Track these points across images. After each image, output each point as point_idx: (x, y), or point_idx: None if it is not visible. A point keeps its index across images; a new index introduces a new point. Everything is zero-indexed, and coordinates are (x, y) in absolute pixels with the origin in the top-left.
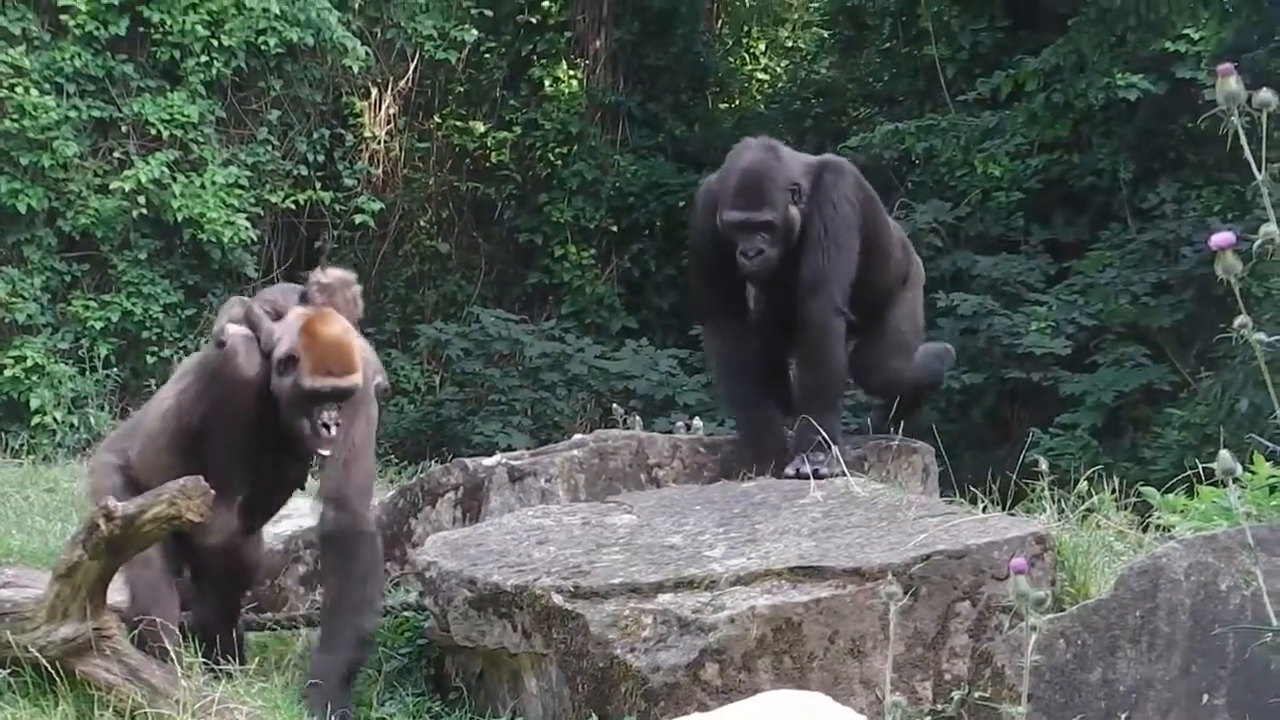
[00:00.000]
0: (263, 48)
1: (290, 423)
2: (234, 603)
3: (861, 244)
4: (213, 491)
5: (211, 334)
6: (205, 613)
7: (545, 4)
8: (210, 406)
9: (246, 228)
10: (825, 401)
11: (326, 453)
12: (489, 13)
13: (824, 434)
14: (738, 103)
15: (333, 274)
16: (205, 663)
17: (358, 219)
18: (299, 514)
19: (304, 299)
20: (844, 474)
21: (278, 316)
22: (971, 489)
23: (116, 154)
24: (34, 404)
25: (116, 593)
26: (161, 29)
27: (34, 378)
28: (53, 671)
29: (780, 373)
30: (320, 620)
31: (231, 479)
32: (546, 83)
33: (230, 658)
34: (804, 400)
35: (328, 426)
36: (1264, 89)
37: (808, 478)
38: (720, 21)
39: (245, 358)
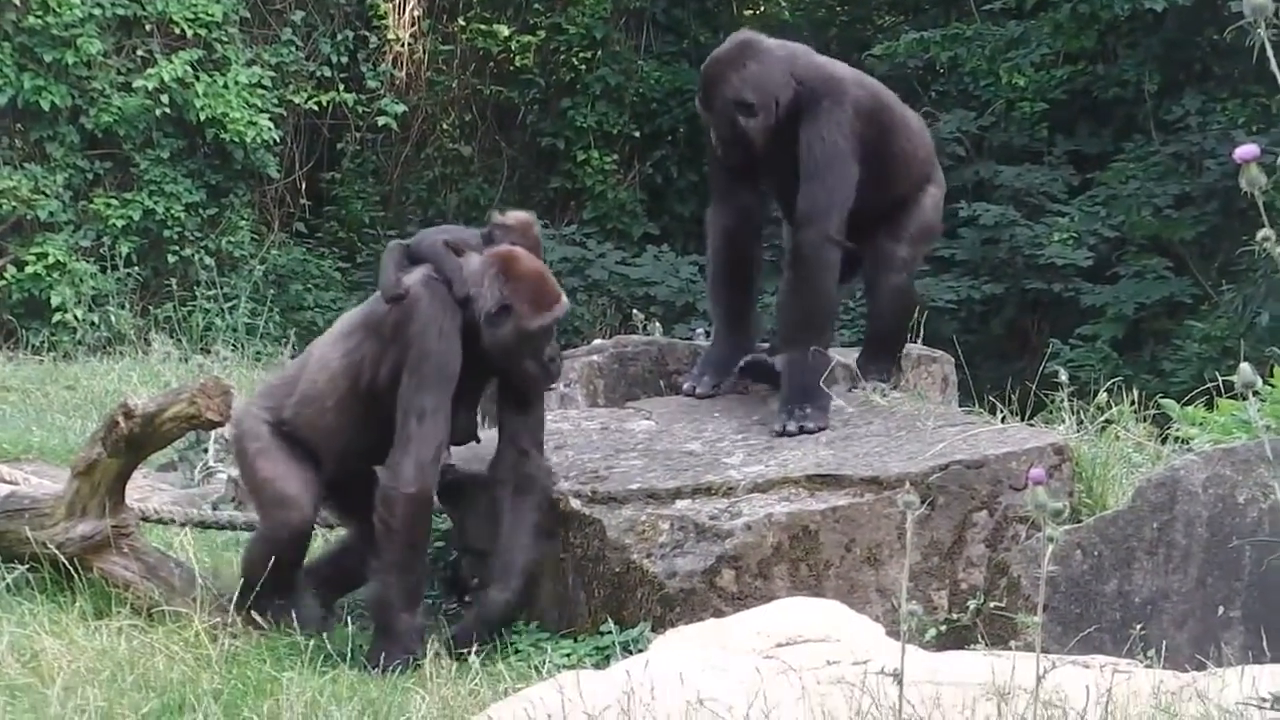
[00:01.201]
0: None
1: (514, 367)
2: (417, 579)
3: (872, 159)
4: (232, 389)
5: (382, 287)
6: (384, 591)
7: None
8: (399, 361)
9: (269, 128)
10: (811, 336)
11: (554, 386)
12: None
13: (809, 377)
14: (763, 9)
15: (514, 216)
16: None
17: (380, 121)
18: None
19: (488, 240)
20: (829, 427)
21: (456, 254)
22: (991, 399)
23: (140, 52)
24: (55, 301)
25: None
26: None
27: (55, 275)
28: (71, 568)
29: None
30: (498, 557)
31: (438, 427)
32: None
33: (411, 647)
34: (788, 333)
35: (554, 360)
36: None
37: (794, 435)
38: None
39: (431, 302)
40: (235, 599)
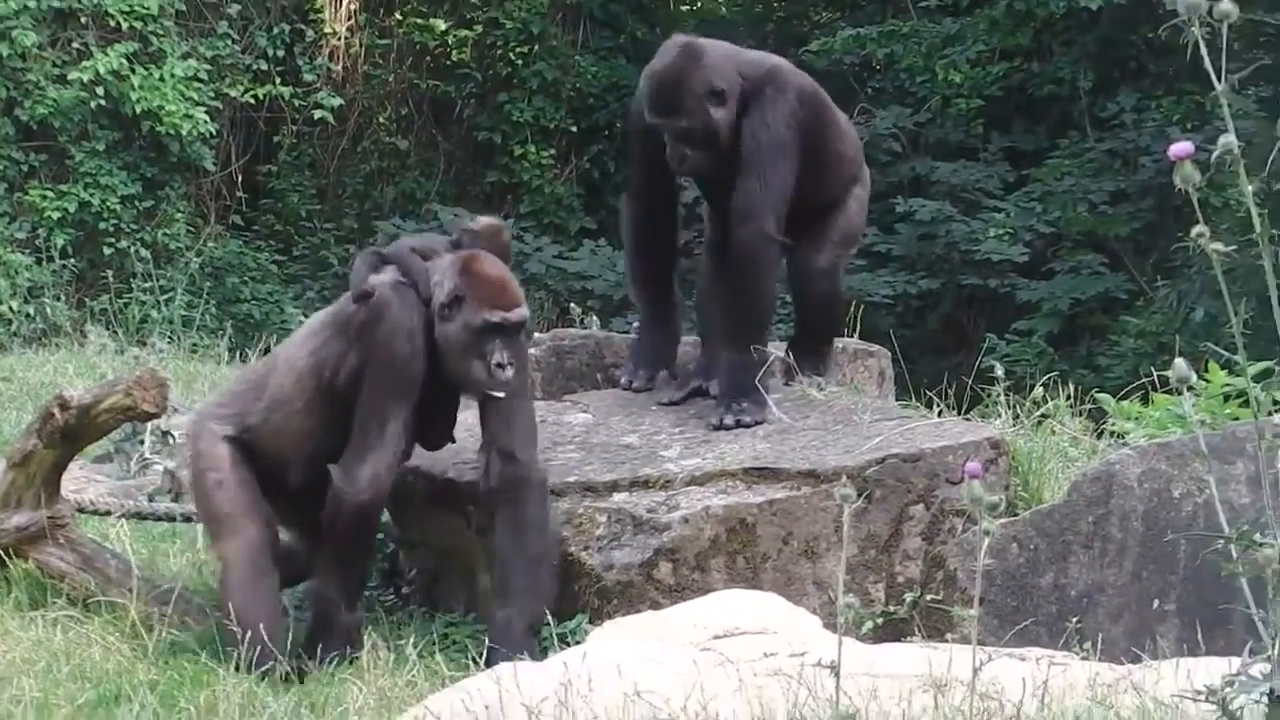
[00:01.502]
0: None
1: (459, 368)
2: (359, 576)
3: (807, 155)
4: (168, 381)
5: (352, 289)
6: (324, 588)
7: None
8: (362, 363)
9: (205, 121)
10: (750, 334)
11: (500, 395)
12: None
13: (747, 374)
14: (699, 4)
15: (482, 221)
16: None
17: (317, 115)
18: None
19: (456, 246)
20: (766, 421)
21: (425, 260)
22: (927, 394)
23: (75, 44)
24: None
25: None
26: None
27: None
28: (6, 559)
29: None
30: (496, 575)
31: (390, 433)
32: None
33: (349, 641)
34: (728, 331)
35: (501, 366)
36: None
37: (730, 428)
38: None
39: (400, 306)
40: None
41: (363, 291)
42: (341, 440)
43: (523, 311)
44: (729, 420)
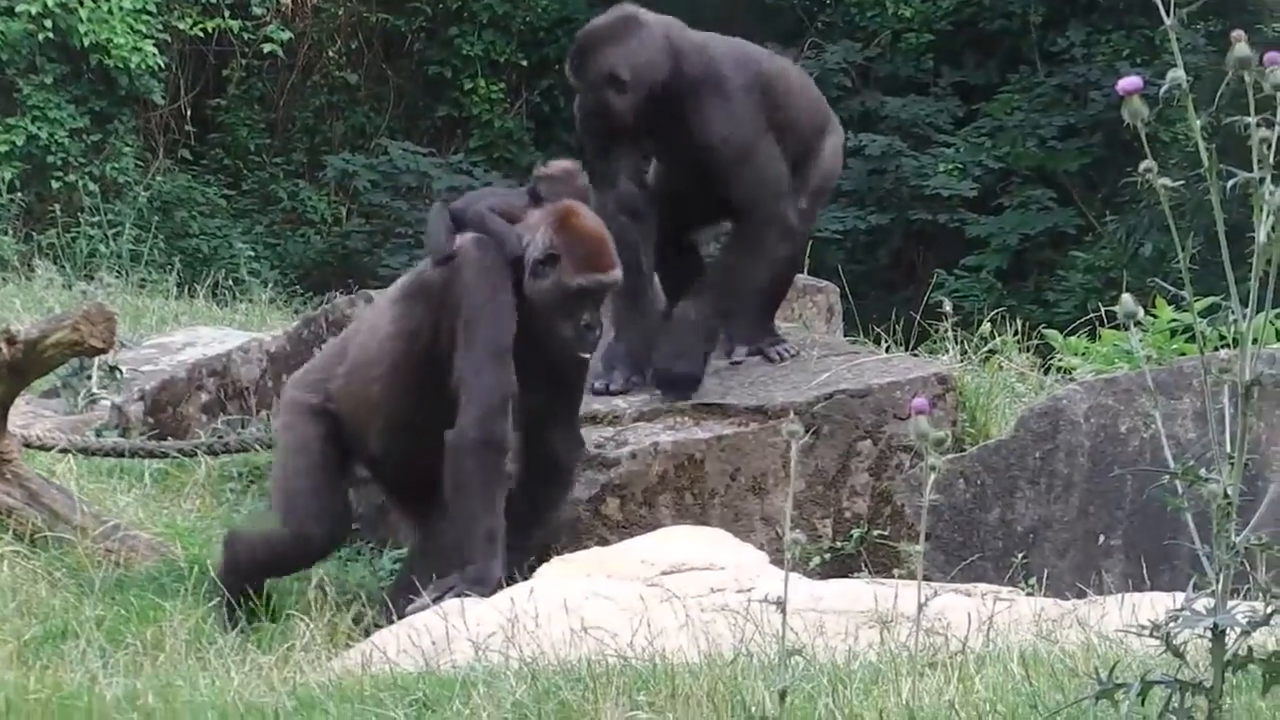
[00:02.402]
0: None
1: (549, 326)
2: (488, 528)
3: (766, 109)
4: (115, 316)
5: (430, 250)
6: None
7: None
8: (453, 320)
9: (154, 54)
10: (728, 308)
11: (588, 356)
12: None
13: (702, 325)
14: None
15: (556, 165)
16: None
17: (266, 48)
18: (203, 342)
19: (534, 197)
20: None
21: (509, 219)
22: (876, 329)
23: None
24: None
25: None
26: None
27: None
28: None
29: (684, 253)
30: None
31: (486, 374)
32: None
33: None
34: (708, 294)
35: (590, 328)
36: None
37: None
38: None
39: (484, 257)
40: (215, 590)
41: (445, 254)
42: (422, 412)
43: (618, 273)
44: (678, 369)
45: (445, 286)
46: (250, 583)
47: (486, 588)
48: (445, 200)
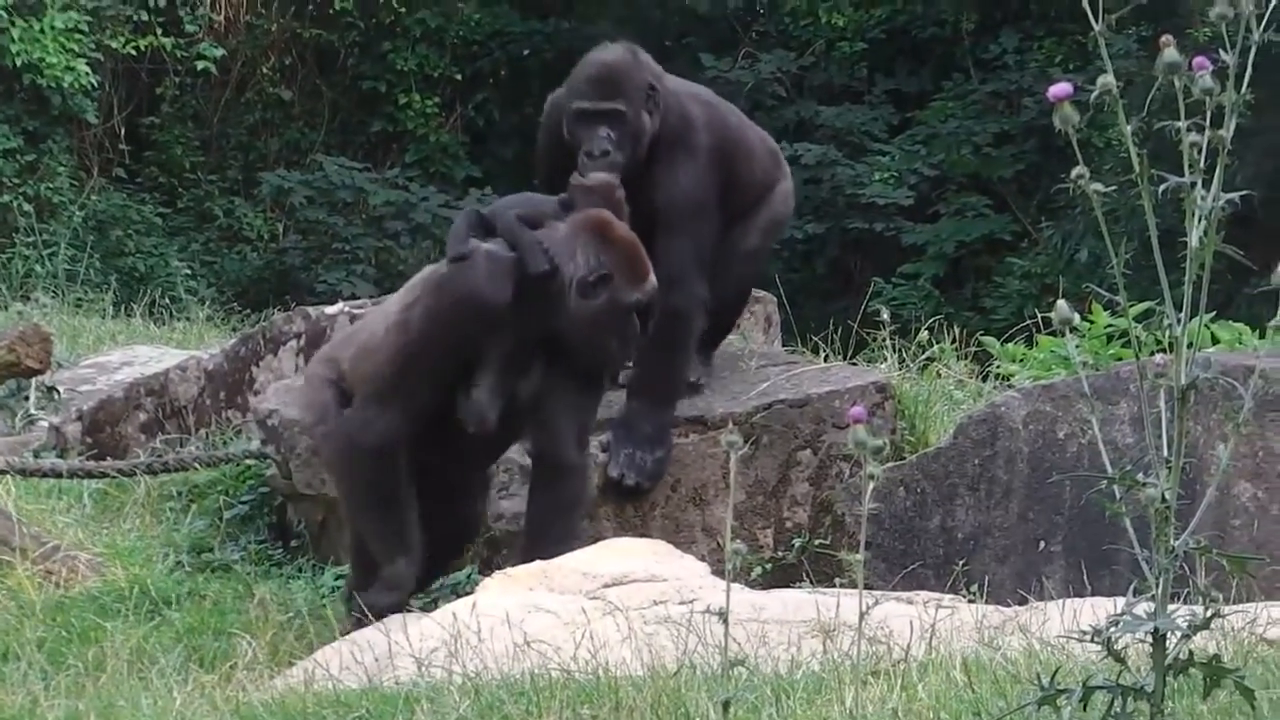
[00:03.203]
0: None
1: (598, 345)
2: (448, 560)
3: (723, 193)
4: (52, 336)
5: (449, 249)
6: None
7: None
8: (439, 325)
9: (87, 73)
10: (669, 392)
11: (629, 368)
12: None
13: (658, 431)
14: None
15: (595, 178)
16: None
17: (199, 66)
18: (140, 361)
19: (565, 206)
20: (651, 486)
21: (533, 227)
22: (814, 338)
23: None
24: None
25: None
26: None
27: None
28: None
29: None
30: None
31: (402, 386)
32: None
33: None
34: (645, 383)
35: (634, 340)
36: None
37: (631, 486)
38: None
39: (487, 277)
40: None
41: (459, 253)
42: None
43: (655, 281)
44: (629, 480)
45: (441, 279)
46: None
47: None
48: (476, 208)
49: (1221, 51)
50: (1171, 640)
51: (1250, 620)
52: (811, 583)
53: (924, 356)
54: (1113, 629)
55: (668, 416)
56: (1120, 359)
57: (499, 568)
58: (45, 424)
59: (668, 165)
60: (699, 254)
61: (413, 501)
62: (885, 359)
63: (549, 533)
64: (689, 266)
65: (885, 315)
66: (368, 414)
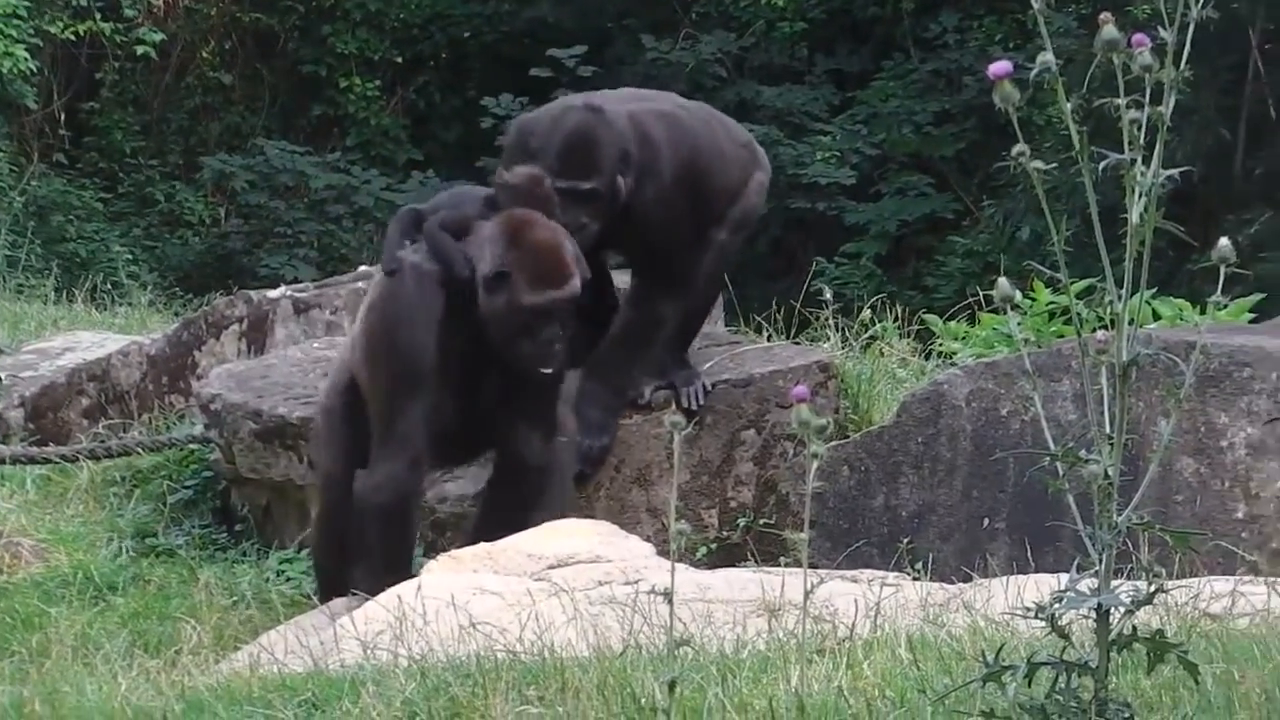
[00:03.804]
0: None
1: (506, 345)
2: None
3: (692, 205)
4: None
5: (383, 257)
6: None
7: None
8: (368, 344)
9: (26, 59)
10: (622, 379)
11: (549, 371)
12: None
13: (599, 416)
14: None
15: (519, 173)
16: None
17: (139, 50)
18: (82, 346)
19: (491, 205)
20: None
21: (461, 232)
22: (757, 318)
23: None
24: None
25: None
26: None
27: None
28: None
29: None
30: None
31: (402, 427)
32: None
33: None
34: (595, 372)
35: (551, 343)
36: None
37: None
38: None
39: (416, 292)
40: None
41: (389, 268)
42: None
43: (574, 286)
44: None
45: (370, 304)
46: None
47: None
48: (413, 206)
49: (1160, 29)
50: (1115, 616)
51: (1193, 595)
52: (756, 562)
53: (867, 335)
54: (1056, 605)
55: (617, 406)
56: (1062, 336)
57: (444, 549)
58: None
59: (636, 193)
60: (671, 270)
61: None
62: (828, 338)
63: (501, 531)
64: (661, 282)
65: (828, 294)
66: (388, 471)
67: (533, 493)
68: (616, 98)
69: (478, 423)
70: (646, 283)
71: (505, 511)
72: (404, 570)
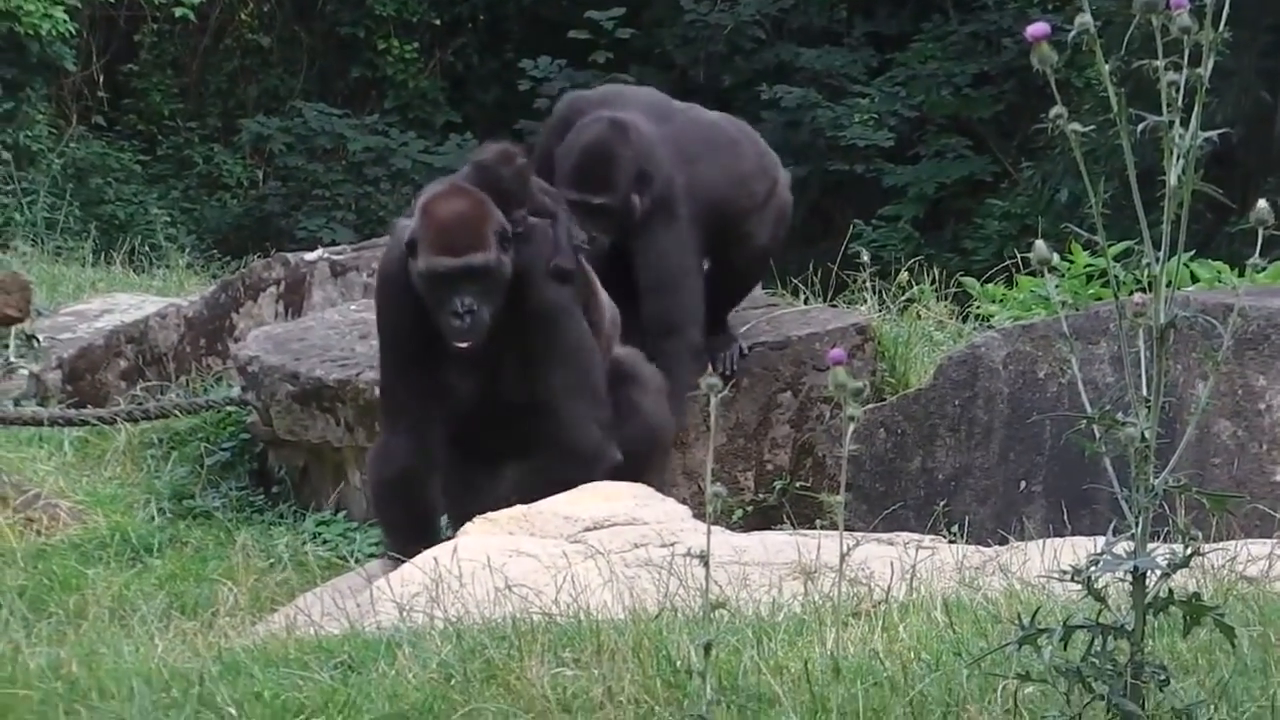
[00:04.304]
0: None
1: (432, 317)
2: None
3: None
4: (31, 284)
5: None
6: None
7: None
8: (379, 316)
9: (65, 21)
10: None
11: (463, 346)
12: None
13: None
14: None
15: (491, 149)
16: None
17: (177, 12)
18: (120, 309)
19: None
20: None
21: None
22: (794, 281)
23: None
24: None
25: None
26: None
27: None
28: None
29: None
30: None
31: (397, 398)
32: None
33: None
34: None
35: (459, 315)
36: None
37: None
38: None
39: (388, 257)
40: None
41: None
42: None
43: (474, 257)
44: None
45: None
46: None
47: None
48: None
49: None
50: (1151, 579)
51: (1230, 558)
52: (792, 525)
53: (904, 298)
54: (1093, 568)
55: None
56: (1099, 298)
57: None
58: (25, 372)
59: (647, 232)
60: (690, 303)
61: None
62: (865, 301)
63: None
64: (680, 316)
65: (865, 257)
66: (385, 442)
67: (563, 472)
68: (645, 110)
69: (504, 408)
70: (671, 333)
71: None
72: (416, 542)
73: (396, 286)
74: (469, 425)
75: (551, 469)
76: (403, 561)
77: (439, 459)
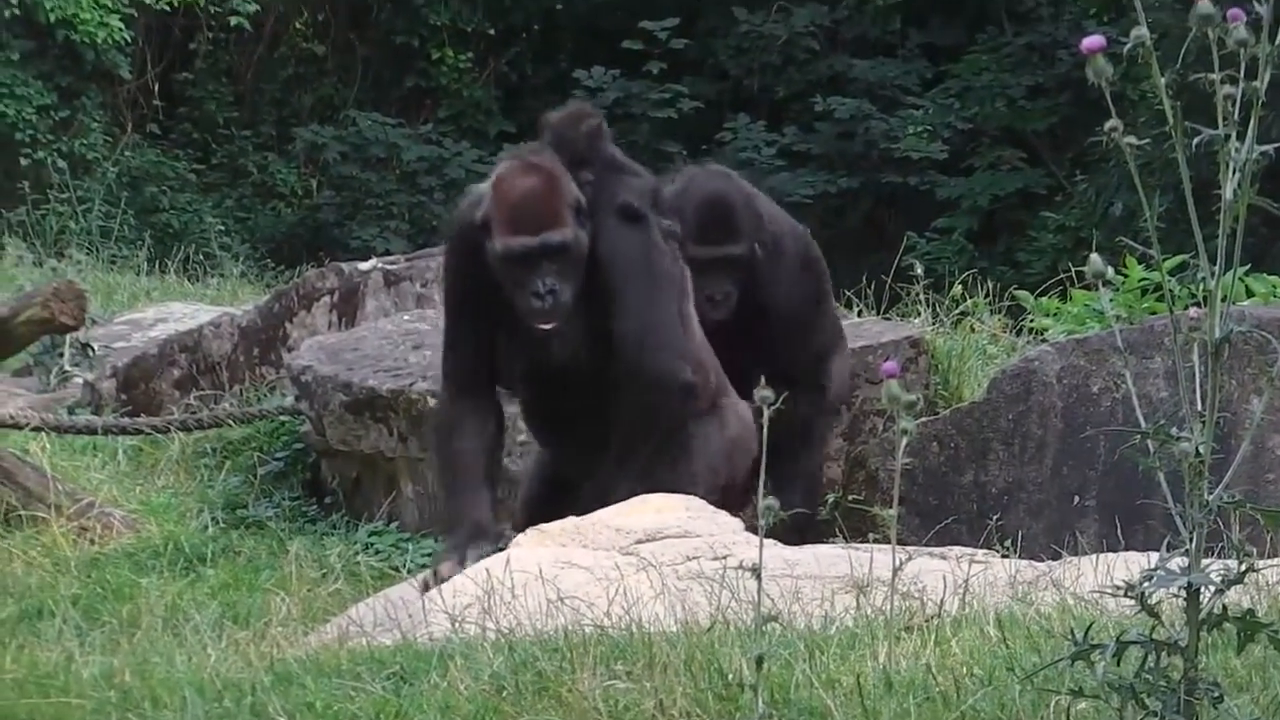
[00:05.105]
0: None
1: (510, 298)
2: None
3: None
4: (86, 293)
5: None
6: None
7: None
8: (447, 269)
9: (120, 29)
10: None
11: (547, 327)
12: None
13: None
14: None
15: (563, 111)
16: None
17: (233, 21)
18: (174, 317)
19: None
20: None
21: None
22: (847, 293)
23: None
24: None
25: None
26: None
27: None
28: None
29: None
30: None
31: (447, 354)
32: None
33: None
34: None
35: (539, 295)
36: None
37: None
38: None
39: (455, 225)
40: None
41: None
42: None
43: (553, 234)
44: None
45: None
46: None
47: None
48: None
49: (1256, 2)
50: (1205, 595)
51: None
52: (845, 538)
53: (957, 311)
54: (1146, 584)
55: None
56: (1154, 313)
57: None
58: (80, 381)
59: (773, 280)
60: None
61: (490, 487)
62: (919, 313)
63: (629, 462)
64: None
65: (919, 270)
66: (440, 399)
67: (664, 414)
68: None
69: (571, 389)
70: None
71: (633, 440)
72: (461, 493)
73: (459, 255)
74: (558, 401)
75: (629, 402)
76: (456, 555)
77: (494, 420)
